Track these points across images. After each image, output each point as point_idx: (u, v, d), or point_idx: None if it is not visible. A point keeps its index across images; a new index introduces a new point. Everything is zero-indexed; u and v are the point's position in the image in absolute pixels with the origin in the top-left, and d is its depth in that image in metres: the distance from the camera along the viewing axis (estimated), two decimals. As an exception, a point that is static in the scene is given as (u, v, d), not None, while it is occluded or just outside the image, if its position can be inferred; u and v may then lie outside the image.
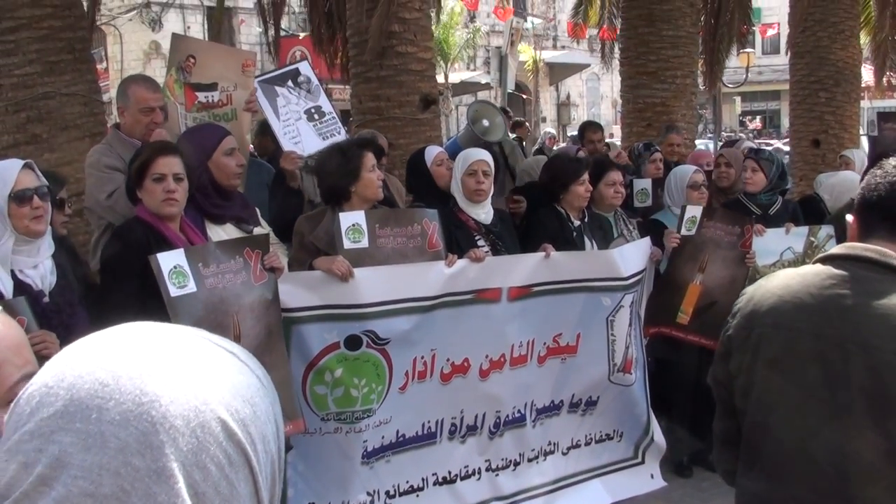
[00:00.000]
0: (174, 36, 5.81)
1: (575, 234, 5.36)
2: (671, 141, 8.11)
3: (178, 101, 5.31)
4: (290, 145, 5.31)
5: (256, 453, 0.81)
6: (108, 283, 3.82)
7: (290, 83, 5.54)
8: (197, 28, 26.54)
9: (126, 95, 4.74)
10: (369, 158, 4.61)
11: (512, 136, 13.59)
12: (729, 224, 5.63)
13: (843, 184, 6.74)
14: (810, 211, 6.50)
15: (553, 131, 19.58)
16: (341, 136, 5.61)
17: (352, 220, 4.44)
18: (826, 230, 5.87)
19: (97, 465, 0.74)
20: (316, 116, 5.48)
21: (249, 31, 26.71)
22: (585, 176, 5.42)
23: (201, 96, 5.33)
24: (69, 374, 0.79)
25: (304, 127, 5.41)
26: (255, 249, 3.98)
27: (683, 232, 5.52)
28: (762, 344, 2.27)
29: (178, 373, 0.80)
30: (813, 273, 2.26)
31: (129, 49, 27.14)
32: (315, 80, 5.63)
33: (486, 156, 5.15)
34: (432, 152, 5.58)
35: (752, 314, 2.32)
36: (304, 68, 5.69)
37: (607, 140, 10.13)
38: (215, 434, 0.78)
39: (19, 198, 3.40)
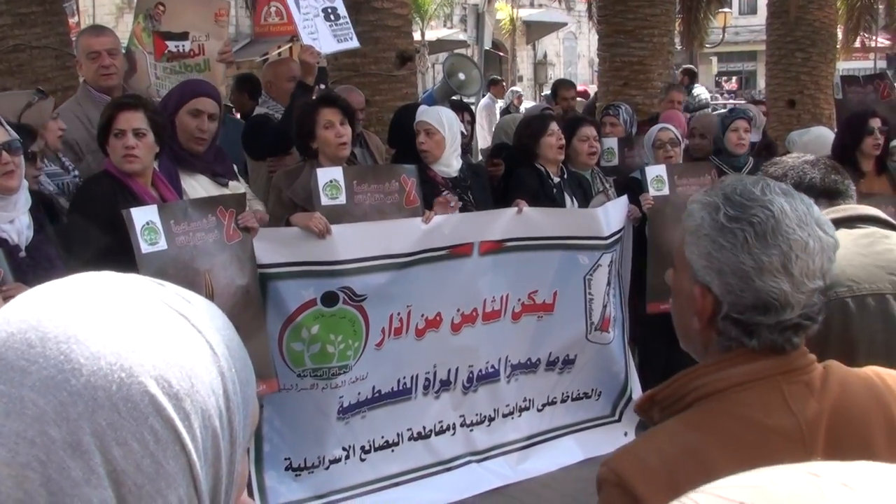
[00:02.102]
0: None
1: (555, 190, 5.36)
2: (672, 97, 8.03)
3: (146, 49, 5.20)
4: (309, 40, 5.20)
5: (191, 429, 0.76)
6: (73, 236, 3.76)
7: None
8: (170, -18, 26.12)
9: (78, 47, 4.79)
10: (323, 115, 4.54)
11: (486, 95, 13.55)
12: (697, 176, 5.61)
13: (818, 140, 6.74)
14: None
15: (519, 90, 19.39)
16: (354, 42, 5.53)
17: (329, 175, 4.42)
18: None
19: (14, 433, 0.70)
20: (332, 17, 5.36)
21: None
22: (553, 126, 5.42)
23: (171, 45, 5.21)
24: (3, 329, 0.76)
25: (321, 25, 5.29)
26: (228, 208, 3.96)
27: (654, 192, 5.47)
28: (848, 314, 2.11)
29: (109, 340, 0.75)
30: (840, 238, 2.24)
31: (102, 3, 26.69)
32: None
33: (428, 115, 5.09)
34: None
35: None
36: None
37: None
38: (140, 408, 0.73)
39: None
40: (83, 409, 0.72)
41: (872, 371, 1.58)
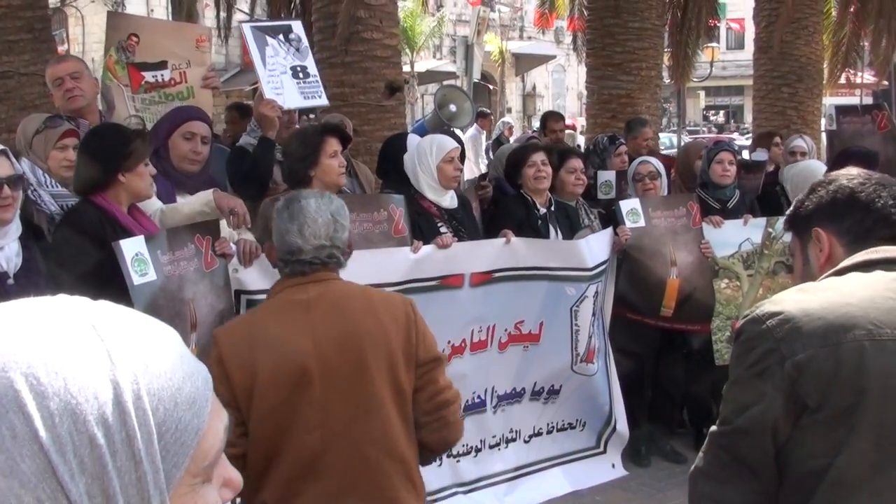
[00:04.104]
0: (110, 14, 5.64)
1: (540, 221, 5.36)
2: (646, 136, 8.06)
3: (122, 82, 5.17)
4: (273, 94, 5.06)
5: (53, 429, 0.73)
6: (60, 267, 3.72)
7: (280, 37, 5.28)
8: (161, 11, 26.20)
9: (47, 79, 4.81)
10: (330, 144, 4.56)
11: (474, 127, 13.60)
12: (673, 208, 5.66)
13: (804, 173, 6.76)
14: (770, 205, 6.50)
15: (511, 121, 19.49)
16: (323, 99, 5.45)
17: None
18: (784, 221, 5.89)
19: None
20: (301, 75, 5.26)
21: (213, 15, 26.41)
22: (535, 157, 5.43)
23: (148, 76, 5.17)
24: None
25: (287, 82, 5.19)
26: (205, 236, 3.93)
27: (630, 225, 5.51)
28: (863, 358, 1.91)
29: None
30: (873, 279, 2.02)
31: (91, 31, 26.76)
32: (305, 42, 5.38)
33: (457, 143, 5.20)
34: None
35: (828, 330, 1.94)
36: (297, 27, 5.41)
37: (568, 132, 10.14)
38: (2, 402, 0.72)
39: None
40: None
41: (363, 287, 3.09)
